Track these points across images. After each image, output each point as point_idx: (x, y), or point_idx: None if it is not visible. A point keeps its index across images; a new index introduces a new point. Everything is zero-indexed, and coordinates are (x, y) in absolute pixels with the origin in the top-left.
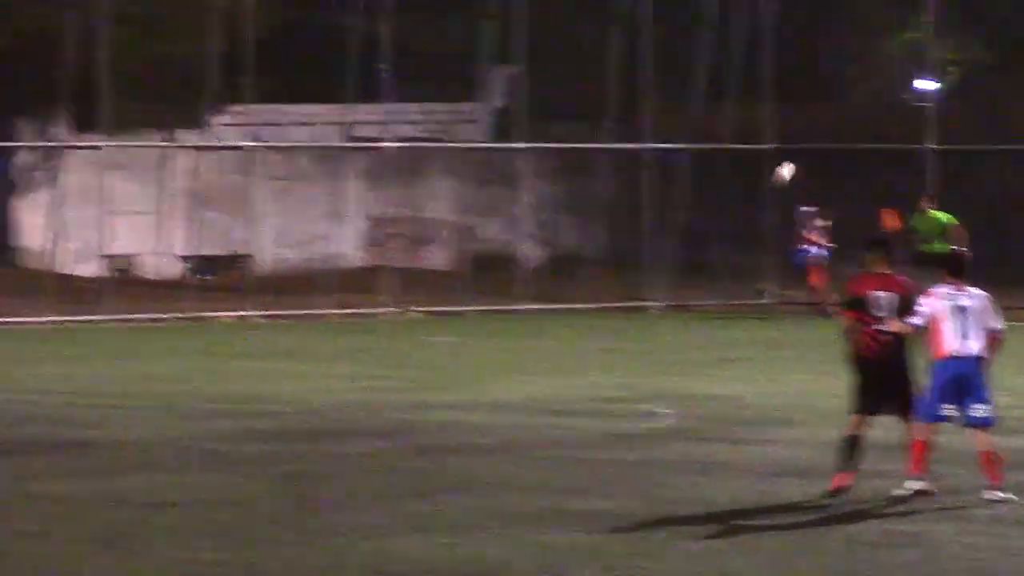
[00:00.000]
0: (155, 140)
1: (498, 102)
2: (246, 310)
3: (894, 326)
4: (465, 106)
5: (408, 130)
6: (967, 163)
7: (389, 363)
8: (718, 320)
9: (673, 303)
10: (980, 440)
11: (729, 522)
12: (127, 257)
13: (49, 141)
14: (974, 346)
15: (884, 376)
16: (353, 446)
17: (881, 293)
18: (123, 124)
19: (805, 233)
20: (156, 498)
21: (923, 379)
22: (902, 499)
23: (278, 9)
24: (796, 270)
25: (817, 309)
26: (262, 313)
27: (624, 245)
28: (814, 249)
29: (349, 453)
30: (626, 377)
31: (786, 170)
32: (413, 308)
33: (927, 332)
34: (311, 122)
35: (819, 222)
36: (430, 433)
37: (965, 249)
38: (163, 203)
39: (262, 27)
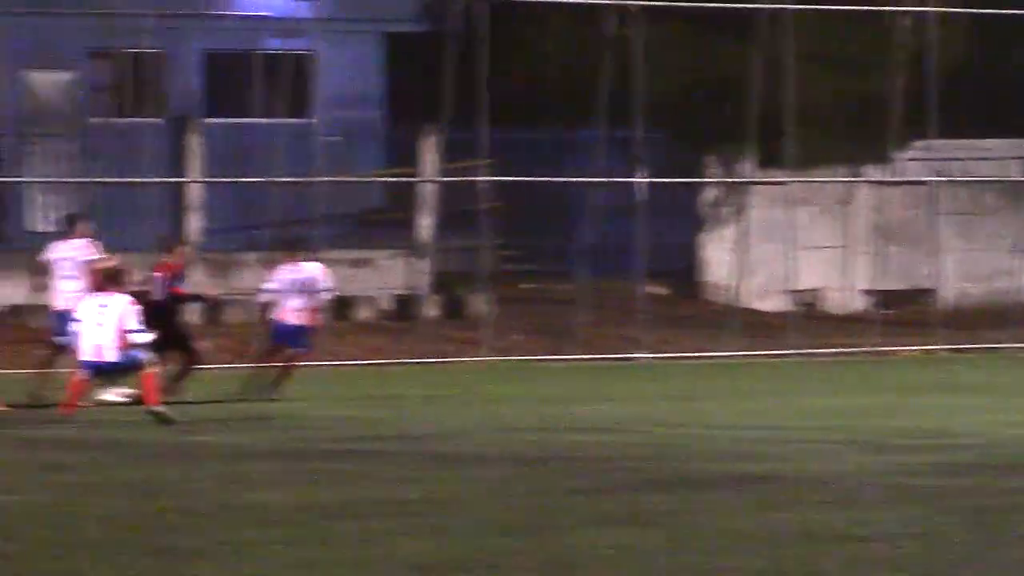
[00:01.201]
0: (839, 176)
1: None
2: (930, 344)
3: None
4: None
5: None
6: None
7: None
8: None
9: None
10: None
11: None
12: (812, 292)
13: (735, 177)
14: None
15: None
16: None
17: None
18: (808, 160)
19: None
20: (839, 532)
21: None
22: None
23: (963, 44)
24: None
25: None
26: (946, 347)
27: None
28: None
29: None
30: None
31: None
32: None
33: None
34: (994, 156)
35: None
36: None
37: None
38: (847, 238)
39: (948, 63)
